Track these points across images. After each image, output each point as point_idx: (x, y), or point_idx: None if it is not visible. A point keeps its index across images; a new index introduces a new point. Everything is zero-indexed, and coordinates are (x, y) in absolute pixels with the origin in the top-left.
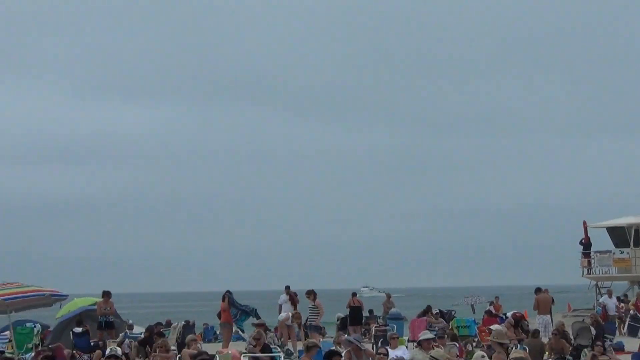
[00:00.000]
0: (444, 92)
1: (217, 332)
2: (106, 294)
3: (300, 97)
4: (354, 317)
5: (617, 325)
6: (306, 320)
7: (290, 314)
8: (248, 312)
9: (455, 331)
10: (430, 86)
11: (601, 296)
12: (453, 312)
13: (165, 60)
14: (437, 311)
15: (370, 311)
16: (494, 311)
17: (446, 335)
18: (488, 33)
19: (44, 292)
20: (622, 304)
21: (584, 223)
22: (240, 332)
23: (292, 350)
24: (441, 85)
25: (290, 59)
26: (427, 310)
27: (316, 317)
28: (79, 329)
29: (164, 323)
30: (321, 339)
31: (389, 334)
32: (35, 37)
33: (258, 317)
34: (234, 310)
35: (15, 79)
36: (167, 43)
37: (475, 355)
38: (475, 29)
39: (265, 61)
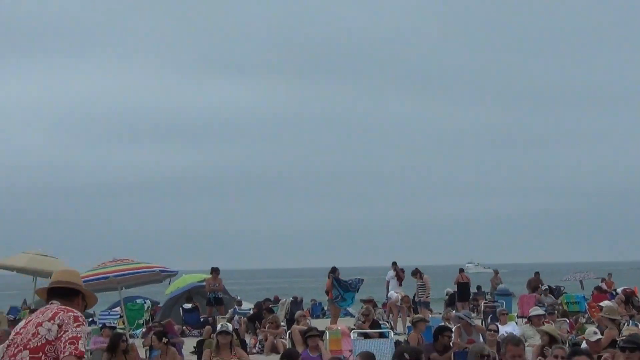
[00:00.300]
0: (563, 66)
1: (325, 308)
2: (214, 271)
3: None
4: (462, 293)
5: None
6: (414, 297)
7: (399, 297)
8: (351, 290)
9: (565, 307)
10: (549, 61)
11: None
12: (562, 288)
13: (276, 37)
14: (546, 287)
15: (478, 287)
16: (604, 287)
17: (556, 312)
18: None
19: (154, 269)
20: None
21: None
22: (347, 309)
23: (402, 330)
24: (560, 60)
25: (397, 33)
26: (535, 286)
27: (424, 293)
28: (188, 305)
29: (272, 299)
30: (430, 315)
31: (498, 310)
32: (143, 18)
33: (352, 293)
34: (336, 292)
35: (128, 60)
36: (275, 20)
37: (587, 330)
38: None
39: (372, 36)
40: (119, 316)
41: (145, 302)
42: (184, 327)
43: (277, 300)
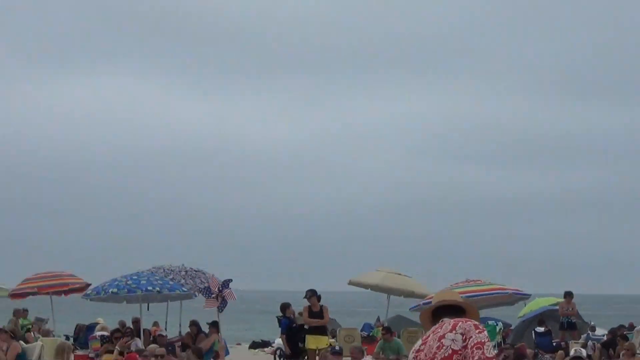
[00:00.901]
0: None
1: None
2: (568, 295)
3: None
4: None
5: None
6: None
7: None
8: None
9: None
10: None
11: None
12: None
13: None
14: None
15: None
16: None
17: None
18: None
19: (507, 291)
20: None
21: None
22: None
23: None
24: None
25: None
26: None
27: None
28: (541, 329)
29: (626, 325)
30: None
31: None
32: (498, 38)
33: None
34: None
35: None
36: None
37: None
38: None
39: None
40: None
41: (497, 324)
42: (536, 351)
43: (632, 327)
